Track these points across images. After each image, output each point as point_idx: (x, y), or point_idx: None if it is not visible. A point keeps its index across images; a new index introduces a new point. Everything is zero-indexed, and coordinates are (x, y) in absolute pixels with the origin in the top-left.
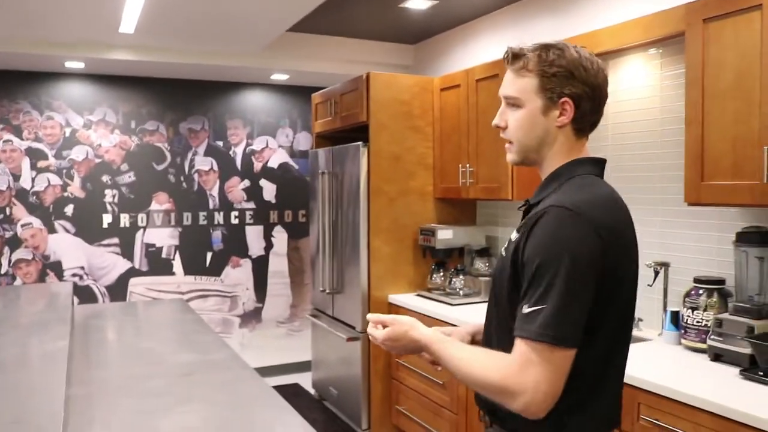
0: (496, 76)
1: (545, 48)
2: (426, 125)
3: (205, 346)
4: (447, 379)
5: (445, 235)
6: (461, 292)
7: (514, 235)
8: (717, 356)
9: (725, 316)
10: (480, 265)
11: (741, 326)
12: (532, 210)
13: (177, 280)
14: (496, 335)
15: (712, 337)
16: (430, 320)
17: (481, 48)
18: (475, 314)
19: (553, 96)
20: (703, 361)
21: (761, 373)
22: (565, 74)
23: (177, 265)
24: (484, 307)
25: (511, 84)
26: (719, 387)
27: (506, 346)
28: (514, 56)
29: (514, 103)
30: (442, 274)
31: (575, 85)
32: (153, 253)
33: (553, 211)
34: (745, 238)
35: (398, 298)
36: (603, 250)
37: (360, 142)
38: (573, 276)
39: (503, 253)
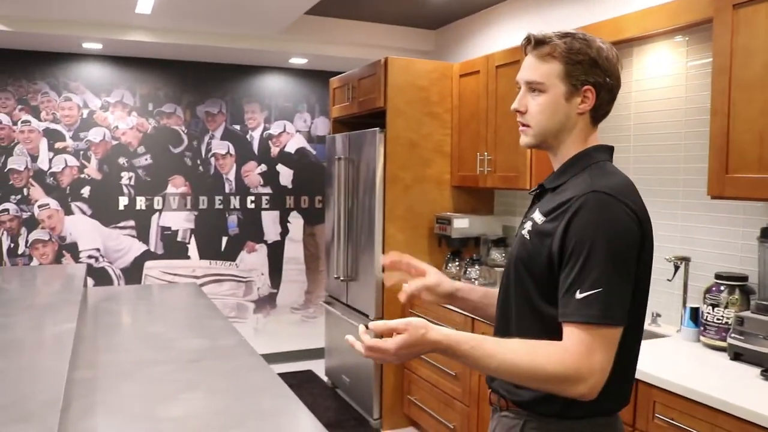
0: (517, 63)
1: (571, 36)
2: (444, 112)
3: (215, 331)
4: (460, 370)
5: (461, 224)
6: (476, 282)
7: (539, 218)
8: (737, 355)
9: (747, 314)
10: (496, 255)
11: (764, 325)
12: (547, 194)
13: (192, 264)
14: (517, 320)
15: (732, 335)
16: (444, 311)
17: (501, 34)
18: None
19: (576, 83)
20: (722, 359)
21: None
22: (590, 63)
23: (192, 248)
24: None
25: (535, 69)
26: (739, 387)
27: (531, 330)
28: (538, 42)
29: (536, 88)
30: (457, 263)
31: (598, 74)
32: (168, 237)
33: (596, 196)
34: None
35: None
36: (640, 234)
37: (377, 128)
38: (622, 258)
39: (527, 237)
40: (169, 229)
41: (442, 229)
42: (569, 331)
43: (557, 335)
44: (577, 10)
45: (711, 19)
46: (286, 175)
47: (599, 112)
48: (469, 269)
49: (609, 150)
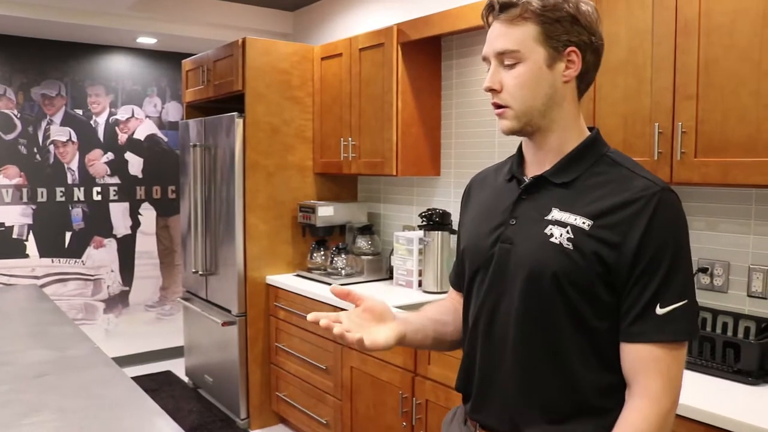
0: (381, 45)
1: None
2: (306, 96)
3: (62, 340)
4: (330, 363)
5: (326, 212)
6: (343, 272)
7: (583, 222)
8: None
9: None
10: (362, 243)
11: None
12: (551, 188)
13: (31, 263)
14: (555, 343)
15: None
16: (311, 302)
17: (365, 16)
18: None
19: (558, 45)
20: None
21: None
22: (570, 20)
23: (31, 246)
24: (368, 286)
25: (506, 36)
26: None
27: (575, 352)
28: (504, 5)
29: (511, 59)
30: (322, 253)
31: (581, 32)
32: (2, 234)
33: (668, 196)
34: None
35: (277, 279)
36: None
37: (235, 113)
38: (692, 264)
39: (568, 246)
40: (2, 225)
41: (306, 217)
42: (642, 354)
43: (606, 350)
44: None
45: None
46: (135, 164)
47: (585, 80)
48: (335, 258)
49: None
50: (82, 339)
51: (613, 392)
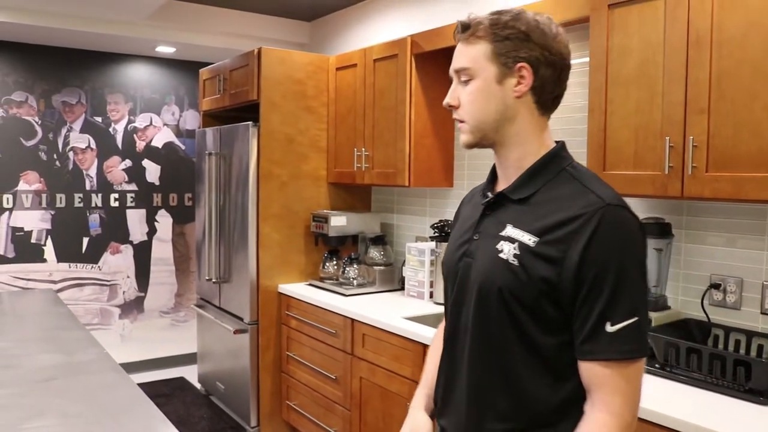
0: (395, 57)
1: (498, 12)
2: (320, 106)
3: (72, 344)
4: (340, 373)
5: (339, 221)
6: (355, 282)
7: (529, 238)
8: None
9: None
10: (375, 253)
11: None
12: (510, 205)
13: (49, 267)
14: (502, 355)
15: None
16: (323, 311)
17: (380, 27)
18: (369, 304)
19: (507, 61)
20: None
21: (658, 366)
22: (520, 36)
23: (49, 251)
24: (380, 297)
25: (462, 55)
26: None
27: (525, 365)
28: (464, 26)
29: (465, 75)
30: (335, 262)
31: (532, 48)
32: (21, 238)
33: (613, 211)
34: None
35: (289, 288)
36: None
37: (250, 122)
38: (646, 278)
39: (513, 262)
40: (21, 229)
41: (318, 227)
42: (597, 372)
43: (556, 365)
44: (455, 4)
45: (587, 18)
46: (152, 171)
47: (544, 96)
48: (347, 268)
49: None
50: (92, 344)
51: (568, 406)
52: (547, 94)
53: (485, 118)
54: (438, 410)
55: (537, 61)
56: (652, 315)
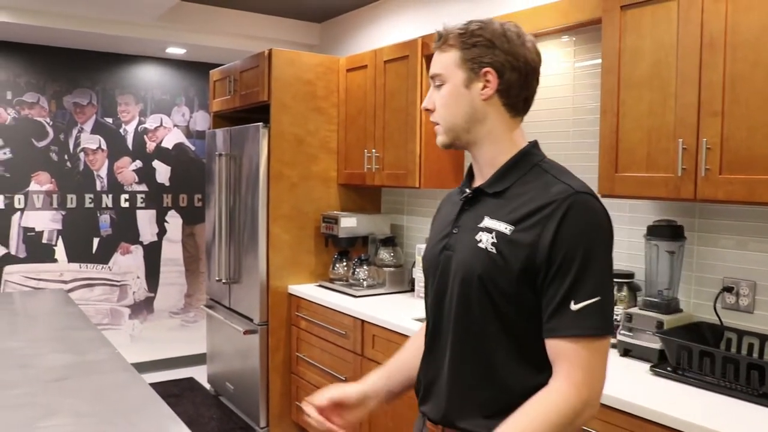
0: (406, 58)
1: (467, 22)
2: (330, 107)
3: (84, 344)
4: (350, 374)
5: (349, 223)
6: (365, 283)
7: (505, 227)
8: (627, 351)
9: (635, 310)
10: (385, 254)
11: (650, 321)
12: (487, 200)
13: (59, 267)
14: (482, 343)
15: (622, 332)
16: (332, 312)
17: (390, 28)
18: (379, 306)
19: (474, 67)
20: (613, 356)
21: (670, 369)
22: (486, 44)
23: (60, 251)
24: (390, 298)
25: (436, 62)
26: (631, 384)
27: (500, 352)
28: (439, 36)
29: (439, 81)
30: (345, 263)
31: (497, 54)
32: (32, 239)
33: (581, 198)
34: (656, 231)
35: (299, 289)
36: None
37: (260, 123)
38: (611, 262)
39: (492, 250)
40: (32, 230)
41: (328, 228)
42: (562, 348)
43: (536, 355)
44: (467, 6)
45: (599, 20)
46: (163, 172)
47: (512, 98)
48: (357, 269)
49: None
50: (103, 344)
51: None
52: (514, 97)
53: (456, 120)
54: (420, 399)
55: (502, 66)
56: (664, 318)
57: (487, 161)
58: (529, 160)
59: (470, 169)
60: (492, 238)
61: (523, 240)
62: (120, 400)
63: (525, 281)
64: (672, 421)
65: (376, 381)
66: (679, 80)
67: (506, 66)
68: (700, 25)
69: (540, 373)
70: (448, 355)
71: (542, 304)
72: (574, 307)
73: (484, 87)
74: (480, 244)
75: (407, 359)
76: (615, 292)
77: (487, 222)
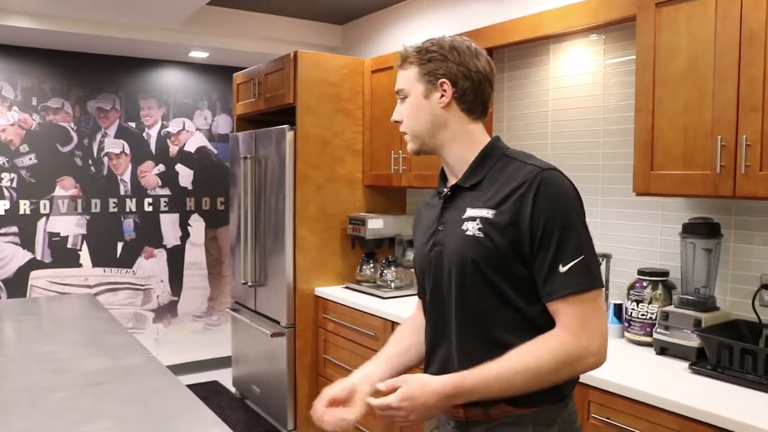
0: None
1: (425, 41)
2: (356, 108)
3: (117, 349)
4: None
5: (376, 224)
6: (392, 285)
7: (487, 212)
8: (663, 350)
9: (671, 308)
10: (412, 256)
11: (688, 319)
12: (464, 193)
13: (84, 272)
14: (494, 325)
15: (658, 330)
16: (360, 314)
17: (413, 30)
18: (407, 307)
19: (431, 79)
20: (649, 355)
21: (709, 367)
22: (439, 58)
23: (84, 255)
24: (415, 299)
25: (399, 79)
26: (671, 382)
27: (514, 332)
28: (400, 56)
29: (402, 95)
30: (372, 265)
31: (450, 66)
32: (57, 243)
33: (549, 173)
34: (692, 229)
35: (326, 291)
36: None
37: (286, 125)
38: (585, 223)
39: (480, 235)
40: (57, 235)
41: (355, 230)
42: (559, 307)
43: (539, 328)
44: (491, 5)
45: (631, 18)
46: (185, 176)
47: (468, 103)
48: (384, 271)
49: None
50: (138, 348)
51: None
52: (471, 102)
53: (419, 127)
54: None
55: (455, 76)
56: (702, 316)
57: (457, 161)
58: (496, 152)
59: (442, 172)
60: (477, 224)
61: (505, 220)
62: (159, 404)
63: (514, 256)
64: (720, 420)
65: (367, 369)
66: (716, 76)
67: (459, 75)
68: (739, 20)
69: None
70: (455, 344)
71: (534, 273)
72: (562, 269)
73: (442, 96)
74: (468, 233)
75: (401, 339)
76: (650, 290)
77: (470, 212)
